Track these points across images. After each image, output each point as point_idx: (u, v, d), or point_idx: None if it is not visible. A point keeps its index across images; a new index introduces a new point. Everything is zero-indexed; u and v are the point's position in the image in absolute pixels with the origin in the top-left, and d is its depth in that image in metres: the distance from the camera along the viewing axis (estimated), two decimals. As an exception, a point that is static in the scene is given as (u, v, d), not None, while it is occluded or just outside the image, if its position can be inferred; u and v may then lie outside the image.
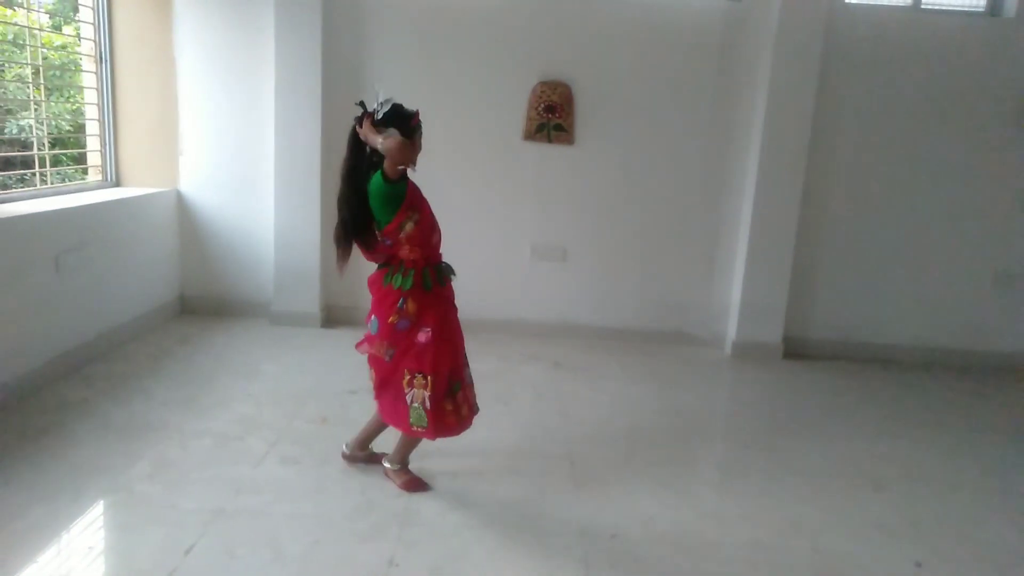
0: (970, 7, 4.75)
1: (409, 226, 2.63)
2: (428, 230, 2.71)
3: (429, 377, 2.67)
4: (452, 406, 2.74)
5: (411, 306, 2.68)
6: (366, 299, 4.94)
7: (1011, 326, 4.96)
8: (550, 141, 4.77)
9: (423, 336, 2.68)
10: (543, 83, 4.70)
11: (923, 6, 4.73)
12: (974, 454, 3.58)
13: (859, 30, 4.61)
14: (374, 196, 2.61)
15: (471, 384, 2.88)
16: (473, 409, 2.88)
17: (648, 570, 2.47)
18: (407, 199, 2.61)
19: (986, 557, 2.69)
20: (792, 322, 4.90)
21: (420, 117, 2.71)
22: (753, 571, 2.50)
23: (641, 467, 3.21)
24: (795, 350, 4.93)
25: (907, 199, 4.83)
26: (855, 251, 4.91)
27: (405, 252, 2.68)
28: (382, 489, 2.86)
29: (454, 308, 2.83)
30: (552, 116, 4.72)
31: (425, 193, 4.74)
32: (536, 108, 4.71)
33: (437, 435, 2.76)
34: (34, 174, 4.07)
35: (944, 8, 4.75)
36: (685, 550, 2.60)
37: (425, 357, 2.67)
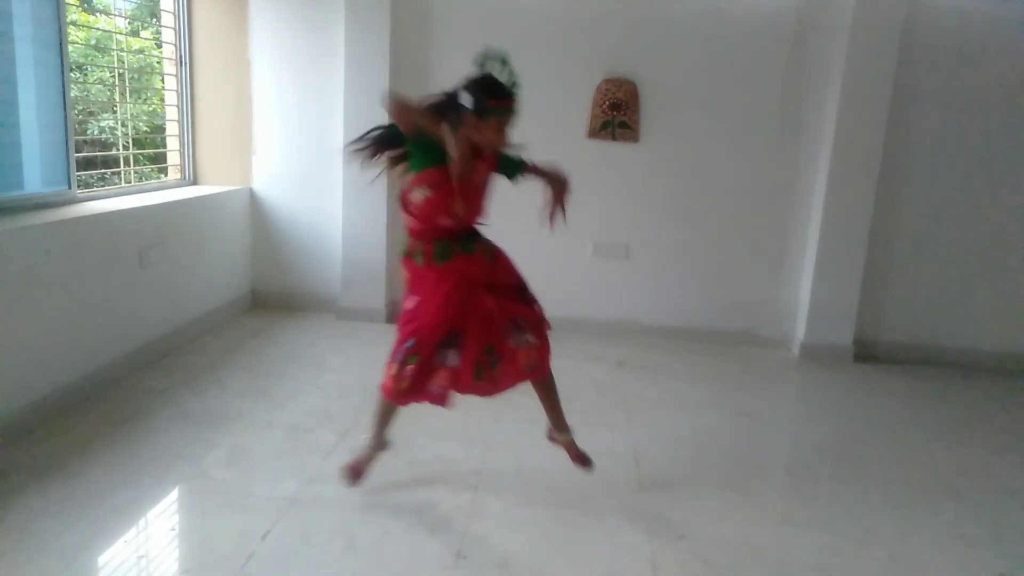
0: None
1: (418, 195, 2.52)
2: (434, 210, 2.53)
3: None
4: (395, 371, 2.56)
5: (404, 273, 2.68)
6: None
7: (1100, 332, 4.71)
8: (614, 139, 4.75)
9: (410, 303, 2.65)
10: (608, 80, 4.67)
11: None
12: (1060, 464, 3.42)
13: (941, 22, 4.43)
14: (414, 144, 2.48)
15: (449, 369, 2.57)
16: (427, 393, 2.59)
17: (717, 572, 2.44)
18: (430, 174, 2.46)
19: (1075, 572, 2.57)
20: (864, 324, 4.75)
21: (511, 98, 2.49)
22: (826, 577, 2.45)
23: (707, 468, 3.17)
24: (866, 353, 4.79)
25: (987, 198, 4.63)
26: (931, 251, 4.73)
27: (407, 218, 2.61)
28: (449, 483, 2.90)
29: (458, 287, 2.57)
30: (617, 113, 4.70)
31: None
32: (601, 105, 4.69)
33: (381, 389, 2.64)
34: (115, 173, 4.26)
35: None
36: (755, 554, 2.56)
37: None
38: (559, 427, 2.88)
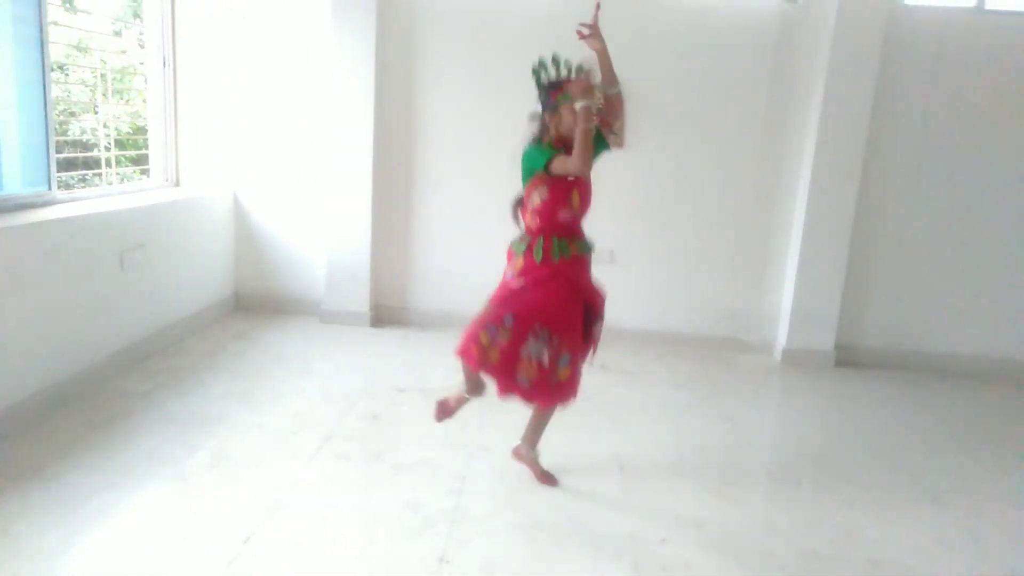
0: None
1: (536, 197, 2.73)
2: (553, 206, 2.72)
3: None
4: (486, 340, 2.60)
5: (517, 263, 2.78)
6: (414, 299, 5.09)
7: (1075, 337, 4.78)
8: (599, 144, 4.75)
9: (515, 283, 2.75)
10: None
11: (987, 7, 4.58)
12: (1036, 468, 3.47)
13: (920, 32, 4.50)
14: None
15: (528, 360, 2.62)
16: (500, 370, 2.61)
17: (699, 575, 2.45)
18: (542, 177, 2.70)
19: (1050, 574, 2.61)
20: (845, 329, 4.80)
21: (566, 87, 2.76)
22: (807, 580, 2.47)
23: (691, 473, 3.19)
24: (847, 358, 4.83)
25: (966, 205, 4.69)
26: (911, 258, 4.79)
27: (528, 219, 2.78)
28: (433, 487, 2.90)
29: (565, 284, 2.74)
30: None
31: (480, 194, 4.80)
32: (586, 111, 4.70)
33: (458, 351, 2.69)
34: (96, 174, 4.22)
35: (1011, 10, 4.59)
36: (737, 558, 2.58)
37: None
38: (532, 443, 2.98)
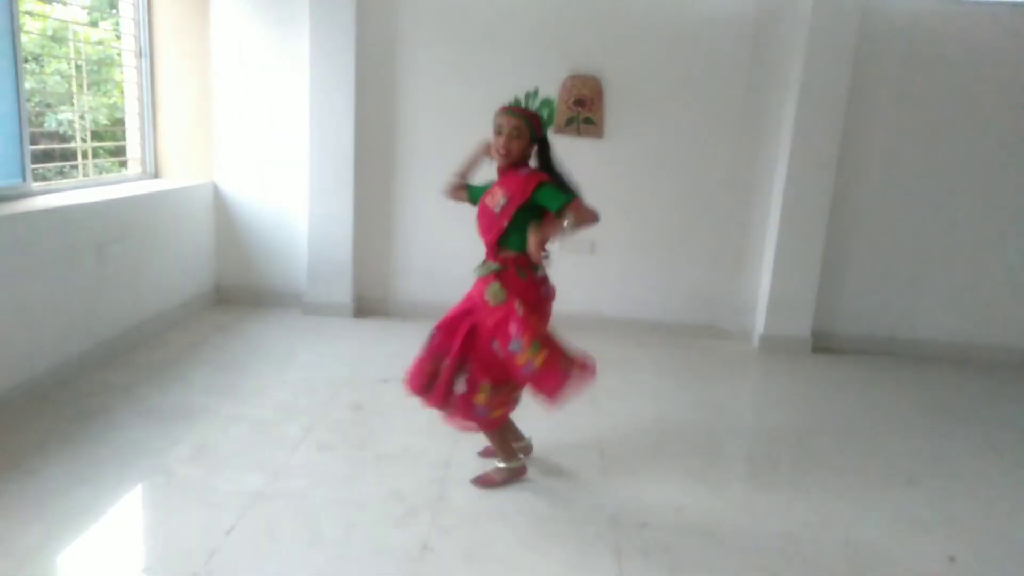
0: (1009, -2, 4.65)
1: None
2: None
3: None
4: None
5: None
6: (396, 290, 5.09)
7: (1045, 321, 4.87)
8: (579, 134, 4.78)
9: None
10: (573, 76, 4.71)
11: None
12: (1008, 451, 3.54)
13: (894, 22, 4.54)
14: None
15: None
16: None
17: (679, 559, 2.49)
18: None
19: (1020, 553, 2.67)
20: (821, 316, 4.86)
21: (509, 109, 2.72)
22: (785, 562, 2.51)
23: (670, 458, 3.22)
24: (824, 344, 4.90)
25: (939, 193, 4.76)
26: (885, 246, 4.85)
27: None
28: (416, 476, 2.91)
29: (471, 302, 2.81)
30: (581, 110, 4.73)
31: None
32: (566, 101, 4.72)
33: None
34: (74, 166, 4.18)
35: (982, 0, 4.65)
36: (716, 540, 2.61)
37: None
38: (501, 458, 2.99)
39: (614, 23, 4.68)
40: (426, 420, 3.33)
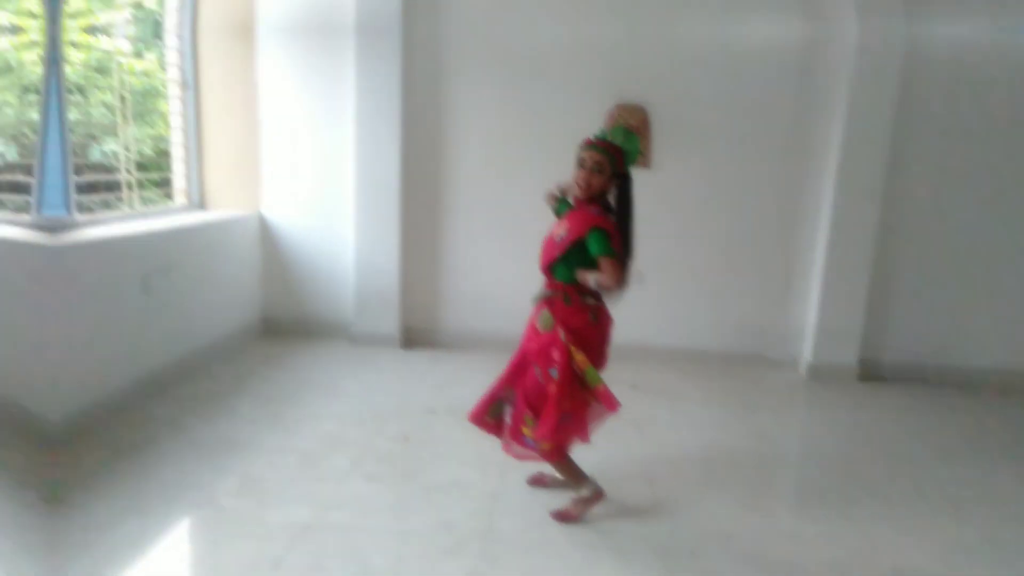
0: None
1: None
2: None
3: None
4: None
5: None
6: (444, 320, 4.98)
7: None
8: (628, 162, 4.65)
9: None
10: (621, 106, 4.62)
11: (1003, 28, 4.42)
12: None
13: (939, 54, 4.38)
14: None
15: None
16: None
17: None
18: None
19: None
20: (868, 345, 4.67)
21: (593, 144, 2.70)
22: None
23: (718, 487, 3.08)
24: (871, 373, 4.70)
25: (987, 221, 4.56)
26: (933, 273, 4.65)
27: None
28: (466, 506, 2.78)
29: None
30: (629, 138, 4.61)
31: (508, 215, 4.76)
32: (613, 129, 4.62)
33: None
34: (119, 198, 4.18)
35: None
36: (765, 568, 2.52)
37: None
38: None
39: (661, 52, 4.61)
40: (474, 451, 3.22)
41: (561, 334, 2.61)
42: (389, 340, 4.83)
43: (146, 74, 4.67)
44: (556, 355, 2.59)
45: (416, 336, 4.98)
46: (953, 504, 3.06)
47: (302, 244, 4.96)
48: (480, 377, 4.36)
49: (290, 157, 4.86)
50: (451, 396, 4.02)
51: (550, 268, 2.68)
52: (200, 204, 4.77)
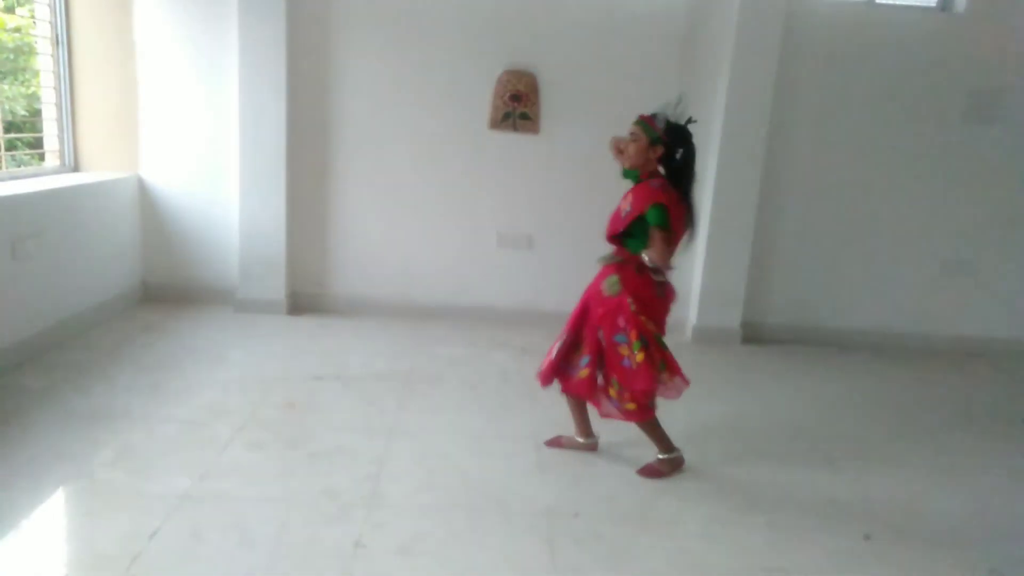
0: (922, 2, 4.87)
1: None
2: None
3: None
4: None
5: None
6: (331, 286, 5.02)
7: (958, 311, 5.14)
8: (515, 130, 4.80)
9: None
10: (509, 72, 4.72)
11: (877, 1, 4.84)
12: (923, 434, 3.72)
13: (816, 24, 4.70)
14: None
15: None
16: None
17: (610, 546, 2.54)
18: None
19: (932, 531, 2.82)
20: (750, 308, 5.02)
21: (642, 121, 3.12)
22: (713, 545, 2.59)
23: (603, 448, 3.26)
24: (753, 335, 5.06)
25: (860, 189, 4.96)
26: (810, 240, 5.03)
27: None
28: (350, 473, 2.88)
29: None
30: (517, 105, 4.75)
31: (396, 180, 4.80)
32: (502, 97, 4.73)
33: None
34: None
35: (897, 3, 4.86)
36: (645, 524, 2.69)
37: None
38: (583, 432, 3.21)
39: (549, 19, 4.71)
40: (361, 418, 3.31)
41: (630, 302, 2.83)
42: (275, 306, 4.82)
43: (17, 30, 4.40)
44: (622, 322, 2.83)
45: (303, 302, 4.99)
46: (827, 458, 3.32)
47: (184, 207, 4.84)
48: (368, 343, 4.49)
49: (171, 118, 4.70)
50: (338, 362, 4.08)
51: (619, 239, 2.92)
52: (74, 166, 4.57)
